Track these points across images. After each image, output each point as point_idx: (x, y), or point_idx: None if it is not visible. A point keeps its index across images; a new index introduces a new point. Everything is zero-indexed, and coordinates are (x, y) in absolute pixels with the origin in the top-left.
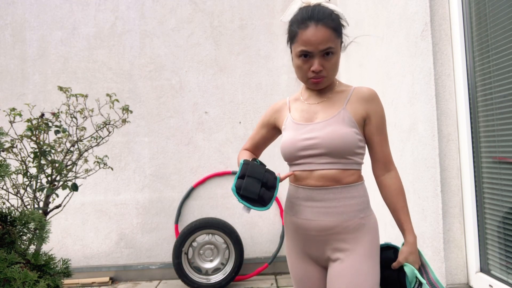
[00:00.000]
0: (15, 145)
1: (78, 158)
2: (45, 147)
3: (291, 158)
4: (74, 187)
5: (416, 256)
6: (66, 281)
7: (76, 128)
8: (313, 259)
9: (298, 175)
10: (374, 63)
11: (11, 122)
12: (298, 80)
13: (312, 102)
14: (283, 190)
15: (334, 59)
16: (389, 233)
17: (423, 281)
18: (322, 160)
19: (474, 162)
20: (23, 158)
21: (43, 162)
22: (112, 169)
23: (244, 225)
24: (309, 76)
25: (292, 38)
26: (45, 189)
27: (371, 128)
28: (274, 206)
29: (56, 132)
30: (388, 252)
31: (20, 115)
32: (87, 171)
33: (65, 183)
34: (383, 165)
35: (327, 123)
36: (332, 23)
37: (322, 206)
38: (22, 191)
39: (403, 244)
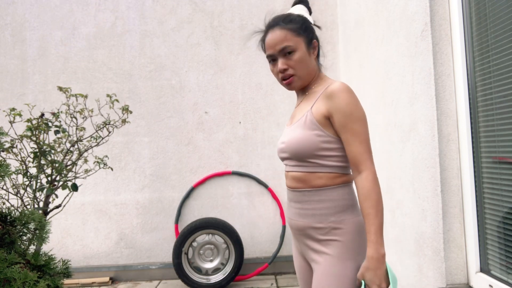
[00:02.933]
0: (15, 145)
1: (78, 158)
2: (45, 147)
3: (280, 160)
4: (74, 187)
5: (374, 275)
6: (66, 281)
7: (76, 128)
8: (302, 255)
9: (285, 174)
10: (374, 63)
11: (11, 122)
12: None
13: (296, 105)
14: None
15: (296, 56)
16: (385, 234)
17: None
18: (291, 162)
19: (474, 162)
20: (23, 158)
21: (43, 162)
22: (112, 169)
23: (244, 225)
24: (280, 78)
25: (264, 49)
26: (45, 189)
27: (335, 127)
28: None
29: (56, 132)
30: None
31: (20, 115)
32: (87, 171)
33: (65, 183)
34: (353, 166)
35: (293, 128)
36: (289, 24)
37: (299, 207)
38: (22, 191)
39: None
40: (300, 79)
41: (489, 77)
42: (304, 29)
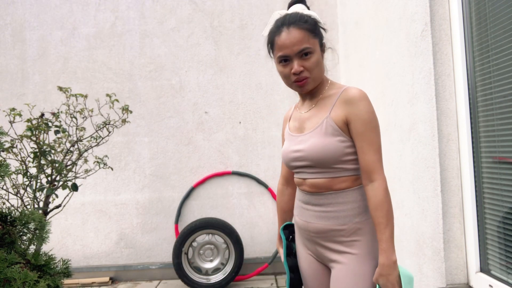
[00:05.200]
0: (15, 145)
1: (78, 158)
2: (45, 147)
3: (289, 167)
4: (74, 187)
5: (386, 280)
6: (66, 281)
7: (76, 128)
8: (316, 257)
9: (296, 181)
10: (374, 63)
11: (11, 122)
12: None
13: (304, 110)
14: None
15: (313, 58)
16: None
17: None
18: (310, 170)
19: (474, 162)
20: (23, 158)
21: (43, 162)
22: (112, 169)
23: (244, 225)
24: (292, 80)
25: (271, 47)
26: (45, 189)
27: (352, 133)
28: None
29: (56, 132)
30: None
31: (20, 115)
32: (87, 171)
33: (65, 183)
34: (365, 174)
35: (311, 135)
36: (305, 24)
37: (319, 210)
38: (22, 191)
39: None
40: (313, 81)
41: (489, 77)
42: (318, 31)
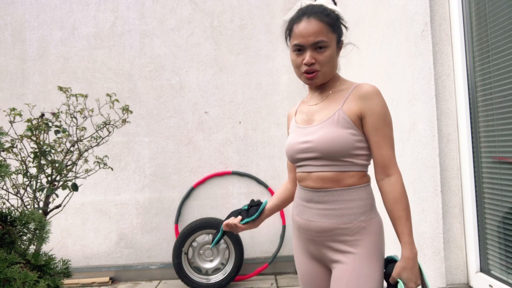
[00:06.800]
0: (15, 145)
1: (78, 158)
2: (45, 147)
3: (293, 160)
4: (74, 187)
5: (411, 273)
6: (66, 281)
7: (76, 128)
8: (316, 258)
9: (300, 176)
10: (374, 63)
11: (11, 122)
12: (299, 80)
13: (313, 103)
14: None
15: (327, 52)
16: (389, 233)
17: None
18: (318, 162)
19: (474, 162)
20: (23, 158)
21: (43, 162)
22: (112, 169)
23: None
24: (302, 70)
25: (289, 34)
26: (45, 189)
27: (367, 128)
28: None
29: (56, 132)
30: (390, 266)
31: (20, 115)
32: (87, 171)
33: (65, 183)
34: (381, 169)
35: (321, 126)
36: (326, 18)
37: (322, 208)
38: (22, 191)
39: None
40: (323, 75)
41: (489, 77)
42: (337, 27)
